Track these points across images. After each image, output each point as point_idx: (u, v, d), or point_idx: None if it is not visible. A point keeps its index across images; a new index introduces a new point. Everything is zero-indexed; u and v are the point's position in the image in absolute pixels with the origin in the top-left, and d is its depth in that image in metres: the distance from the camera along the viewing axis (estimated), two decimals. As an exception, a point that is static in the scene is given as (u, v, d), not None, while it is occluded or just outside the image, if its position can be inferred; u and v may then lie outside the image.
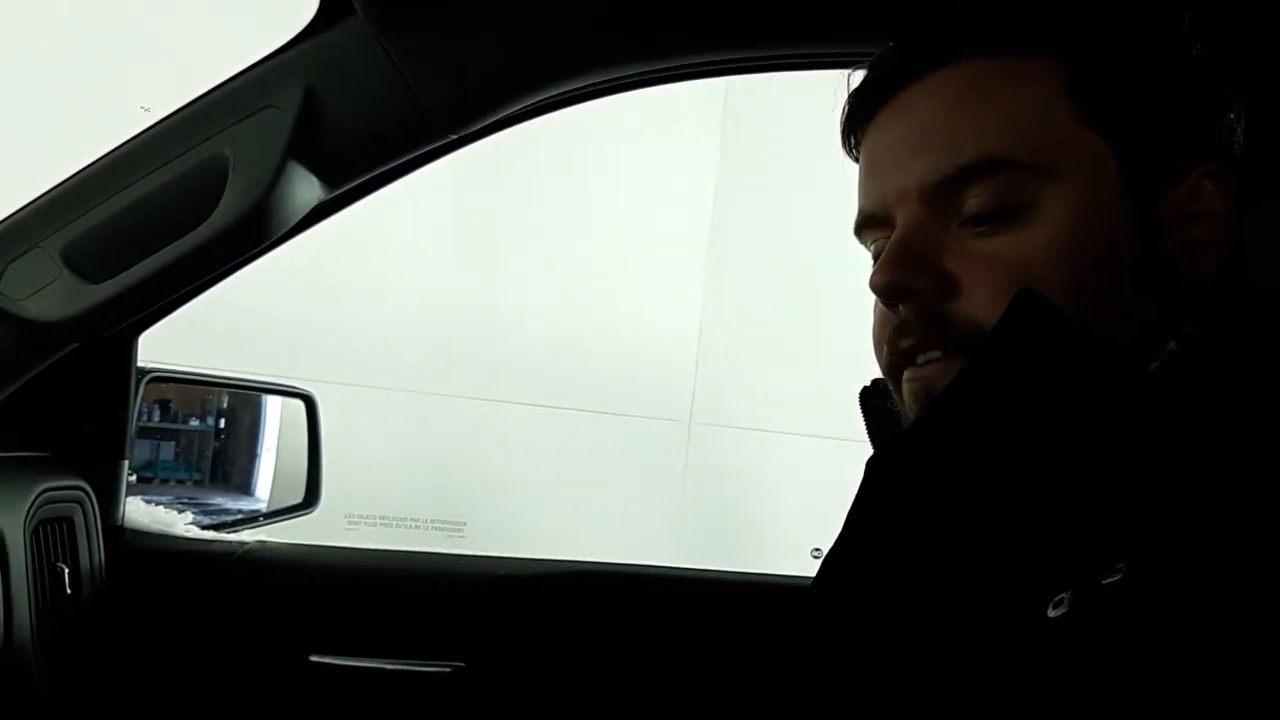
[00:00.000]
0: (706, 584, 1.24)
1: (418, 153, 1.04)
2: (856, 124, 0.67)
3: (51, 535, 1.03)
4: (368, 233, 2.99)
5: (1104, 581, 0.45)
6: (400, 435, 3.27)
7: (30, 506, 0.98)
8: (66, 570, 1.05)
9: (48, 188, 1.02)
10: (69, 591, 1.04)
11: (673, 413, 3.68)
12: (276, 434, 2.00)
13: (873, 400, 0.72)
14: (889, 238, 0.62)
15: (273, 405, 2.09)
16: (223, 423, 2.53)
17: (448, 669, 1.12)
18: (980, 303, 0.58)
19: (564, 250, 3.53)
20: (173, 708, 1.13)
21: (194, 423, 2.56)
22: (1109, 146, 0.58)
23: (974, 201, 0.59)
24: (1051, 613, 0.46)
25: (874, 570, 0.61)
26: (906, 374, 0.63)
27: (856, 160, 0.68)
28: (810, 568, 1.26)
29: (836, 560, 0.63)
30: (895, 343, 0.62)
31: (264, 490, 2.06)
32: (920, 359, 0.61)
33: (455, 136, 1.02)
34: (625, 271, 3.58)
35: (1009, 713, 0.47)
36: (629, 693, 1.14)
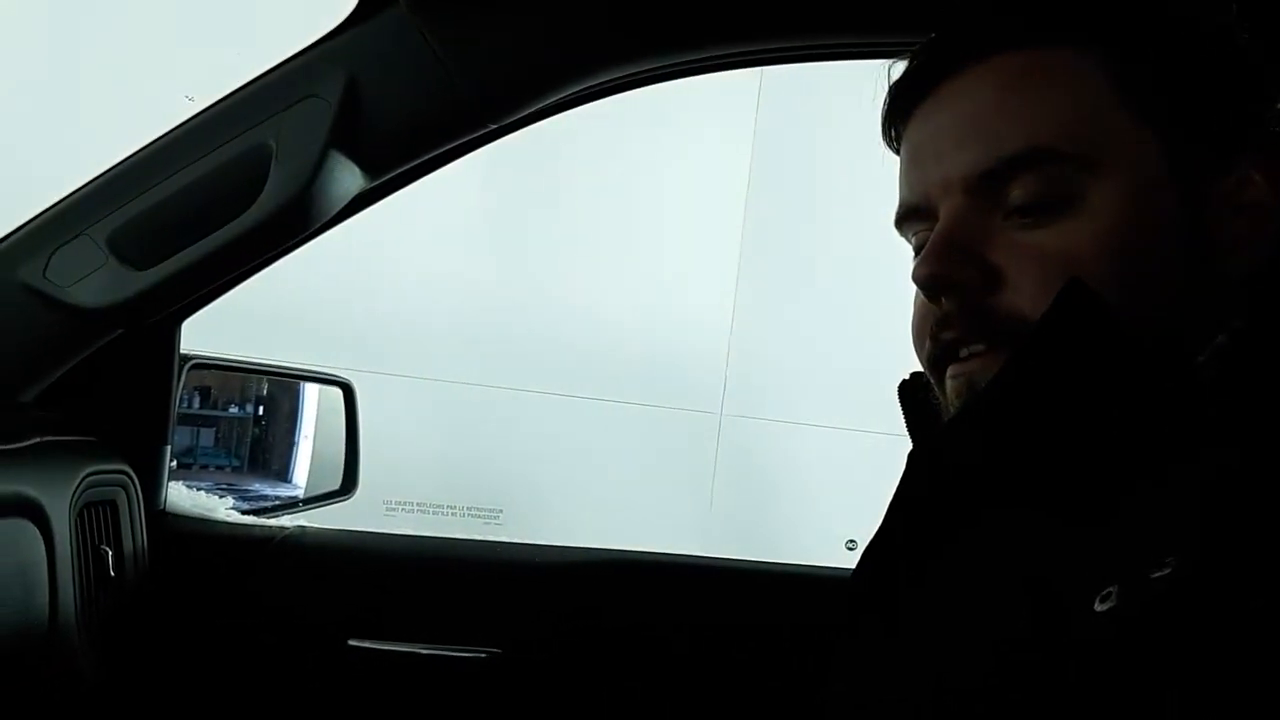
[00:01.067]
0: (740, 574, 1.24)
1: (457, 142, 1.05)
2: (898, 115, 0.67)
3: (96, 518, 1.05)
4: (404, 223, 3.01)
5: (1153, 576, 0.44)
6: (436, 423, 3.29)
7: (75, 489, 1.00)
8: (110, 553, 1.06)
9: (94, 176, 1.04)
10: (112, 574, 1.06)
11: (704, 404, 3.67)
12: (314, 421, 2.02)
13: (912, 394, 0.72)
14: (931, 230, 0.62)
15: (310, 393, 2.11)
16: (262, 410, 2.55)
17: (484, 655, 1.13)
18: (1025, 295, 0.57)
19: (597, 241, 3.53)
20: (213, 689, 1.14)
21: (233, 410, 2.59)
22: (1156, 138, 0.58)
23: (1019, 193, 0.58)
24: (1098, 606, 0.46)
25: (914, 563, 0.61)
26: (950, 369, 0.62)
27: (897, 152, 0.68)
28: (843, 559, 1.26)
29: (876, 552, 0.63)
30: (937, 336, 0.62)
31: (302, 477, 2.08)
32: (963, 353, 0.61)
33: (494, 126, 1.02)
34: (659, 262, 3.58)
35: (1051, 703, 0.46)
36: (663, 681, 1.14)
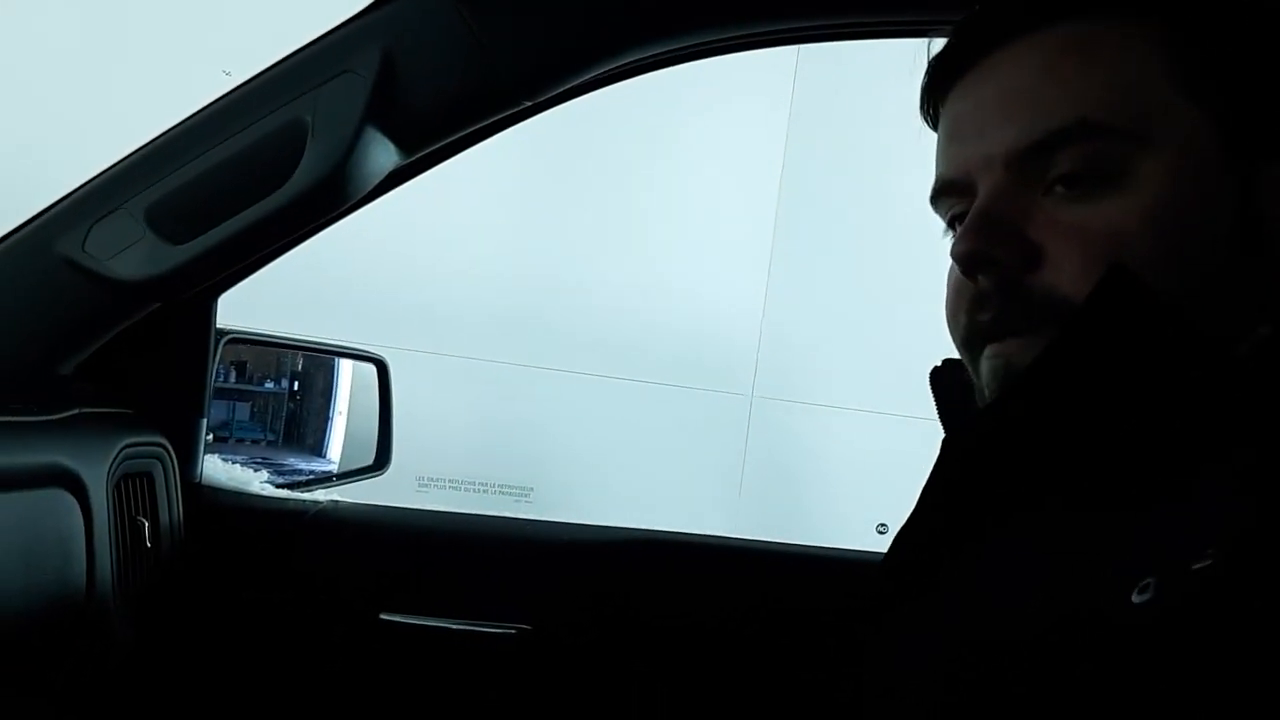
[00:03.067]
0: (770, 556, 1.24)
1: (492, 119, 1.04)
2: (938, 88, 0.65)
3: (132, 490, 1.06)
4: (439, 202, 3.01)
5: (1194, 568, 0.44)
6: (469, 402, 3.30)
7: (113, 461, 1.01)
8: (146, 524, 1.08)
9: (132, 150, 1.04)
10: (148, 545, 1.07)
11: (735, 386, 3.66)
12: (348, 398, 2.03)
13: (943, 379, 0.71)
14: (968, 206, 0.60)
15: (345, 370, 2.12)
16: (296, 386, 2.57)
17: (513, 631, 1.13)
18: (1066, 275, 0.56)
19: (630, 221, 3.53)
20: (245, 660, 1.15)
21: (269, 385, 2.61)
22: (1207, 118, 0.56)
23: (1063, 167, 0.57)
24: (1136, 598, 0.45)
25: (948, 550, 0.61)
26: (987, 350, 0.61)
27: (934, 127, 0.67)
28: (873, 543, 1.25)
29: (909, 539, 0.63)
30: (973, 315, 0.61)
31: (335, 453, 2.10)
32: (999, 333, 0.60)
33: (529, 103, 1.02)
34: (691, 243, 3.56)
35: (1084, 690, 0.46)
36: (689, 661, 1.14)
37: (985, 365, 0.61)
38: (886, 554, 0.64)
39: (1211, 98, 0.56)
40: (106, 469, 0.99)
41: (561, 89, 1.02)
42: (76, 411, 0.99)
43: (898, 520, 0.64)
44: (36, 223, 1.04)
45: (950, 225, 0.66)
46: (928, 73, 0.66)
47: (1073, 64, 0.57)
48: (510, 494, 3.33)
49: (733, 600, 1.17)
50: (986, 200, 0.59)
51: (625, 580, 1.18)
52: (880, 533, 3.19)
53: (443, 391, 3.19)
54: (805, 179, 3.65)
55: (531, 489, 3.36)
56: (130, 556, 1.04)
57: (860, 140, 3.56)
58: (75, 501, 0.94)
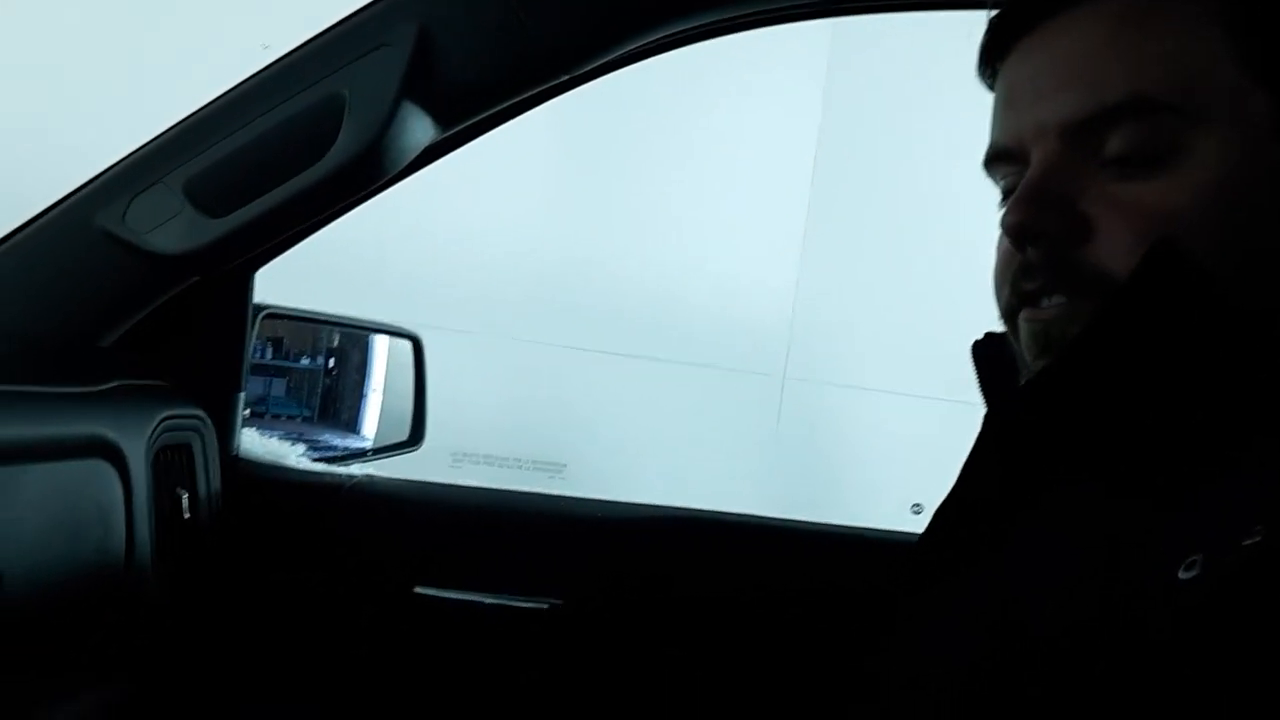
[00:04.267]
0: (803, 535, 1.23)
1: (530, 93, 1.04)
2: (997, 49, 0.64)
3: (171, 461, 1.07)
4: (474, 181, 3.01)
5: (1244, 543, 0.43)
6: (501, 379, 3.32)
7: (152, 432, 1.02)
8: (185, 495, 1.09)
9: (172, 123, 1.05)
10: (187, 516, 1.08)
11: (766, 367, 3.65)
12: (383, 375, 2.04)
13: (985, 353, 0.70)
14: (1020, 174, 0.60)
15: (380, 347, 2.14)
16: (332, 362, 2.59)
17: (545, 606, 1.14)
18: (1114, 250, 0.55)
19: (662, 200, 3.51)
20: (281, 629, 1.17)
21: (304, 361, 2.64)
22: (1267, 95, 0.55)
23: (1118, 143, 0.56)
24: (1183, 575, 0.44)
25: (990, 524, 0.60)
26: (1024, 314, 0.60)
27: (991, 89, 0.65)
28: (907, 523, 1.24)
29: (950, 513, 0.62)
30: (1018, 285, 0.60)
31: (370, 429, 2.11)
32: (1043, 303, 0.59)
33: (567, 77, 1.01)
34: (724, 222, 3.55)
35: (1126, 667, 0.45)
36: (721, 639, 1.14)
37: (1025, 329, 0.60)
38: (925, 530, 0.64)
39: (1269, 76, 0.55)
40: (146, 440, 1.00)
41: (599, 62, 1.01)
42: (117, 384, 1.00)
43: (933, 501, 0.64)
44: (77, 196, 1.05)
45: (1006, 193, 0.65)
46: (987, 32, 0.64)
47: (1132, 36, 0.56)
48: (544, 470, 3.35)
49: (765, 578, 1.17)
50: (1038, 171, 0.58)
51: (657, 557, 1.18)
52: (915, 513, 3.18)
53: (476, 369, 3.21)
54: (840, 157, 3.63)
55: (565, 465, 3.37)
56: (168, 527, 1.05)
57: (896, 117, 3.53)
58: (115, 472, 0.95)
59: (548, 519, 1.22)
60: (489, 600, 1.13)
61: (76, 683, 0.96)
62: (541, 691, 1.15)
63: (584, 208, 3.48)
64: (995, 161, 0.64)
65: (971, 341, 0.72)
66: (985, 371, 0.70)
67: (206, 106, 1.04)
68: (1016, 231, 0.58)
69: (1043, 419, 0.57)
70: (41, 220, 1.06)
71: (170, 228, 1.01)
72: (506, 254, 3.37)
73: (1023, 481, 0.59)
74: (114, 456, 0.95)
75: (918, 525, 0.67)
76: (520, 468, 3.33)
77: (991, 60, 0.65)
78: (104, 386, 0.99)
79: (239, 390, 1.22)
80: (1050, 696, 0.48)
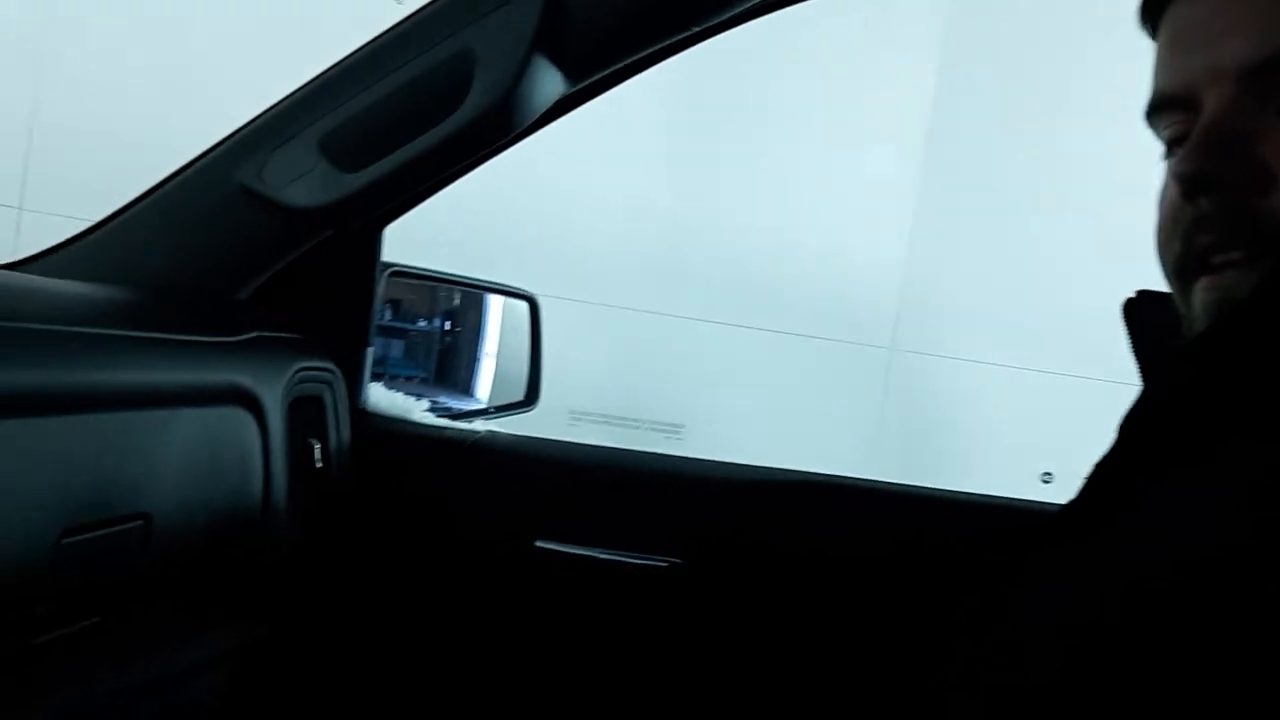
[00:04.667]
0: (920, 500, 1.21)
1: (660, 44, 1.03)
2: None
3: (304, 412, 1.10)
4: (582, 145, 3.01)
5: None
6: (615, 344, 3.34)
7: (288, 383, 1.04)
8: (317, 445, 1.11)
9: (307, 80, 1.07)
10: (318, 465, 1.11)
11: (875, 338, 3.58)
12: (497, 337, 2.07)
13: (1138, 313, 0.67)
14: (1189, 123, 0.56)
15: (494, 310, 2.16)
16: (448, 324, 2.64)
17: (664, 564, 1.14)
18: None
19: (771, 166, 3.47)
20: (406, 580, 1.19)
21: (421, 323, 2.69)
22: None
23: None
24: None
25: (1139, 482, 0.57)
26: (1202, 282, 0.57)
27: (1153, 36, 0.62)
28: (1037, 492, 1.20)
29: (1102, 473, 0.60)
30: (1190, 238, 0.57)
31: (484, 391, 2.14)
32: (1217, 259, 0.55)
33: (697, 29, 1.00)
34: (834, 189, 3.49)
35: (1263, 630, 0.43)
36: (834, 603, 1.13)
37: (1200, 299, 0.57)
38: (1080, 488, 0.61)
39: None
40: (282, 390, 1.03)
41: (731, 13, 1.00)
42: (255, 335, 1.03)
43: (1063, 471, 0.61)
44: (217, 151, 1.08)
45: (1169, 148, 0.61)
46: None
47: None
48: (661, 430, 3.35)
49: (885, 544, 1.15)
50: (1214, 117, 0.55)
51: (774, 519, 1.17)
52: (1045, 482, 3.09)
53: (591, 335, 3.23)
54: (955, 120, 3.52)
55: (682, 426, 3.37)
56: (301, 475, 1.08)
57: (1015, 78, 3.41)
58: (254, 420, 0.98)
59: (666, 478, 1.22)
60: (608, 556, 1.14)
61: (216, 621, 1.00)
62: (658, 649, 1.15)
63: (691, 174, 3.46)
64: (1161, 110, 0.60)
65: (1123, 300, 0.69)
66: (1137, 332, 0.67)
67: (340, 63, 1.06)
68: (1191, 180, 0.55)
69: (1213, 377, 0.54)
70: (183, 175, 1.09)
71: (305, 183, 1.04)
72: (612, 219, 3.37)
73: (1184, 440, 0.56)
74: (252, 405, 0.98)
75: (1047, 494, 0.64)
76: (638, 427, 3.34)
77: (1156, 2, 0.62)
78: (243, 337, 1.02)
79: (367, 345, 1.24)
80: (1187, 655, 0.46)
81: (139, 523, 0.81)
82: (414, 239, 1.34)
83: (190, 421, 0.90)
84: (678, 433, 3.35)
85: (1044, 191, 3.39)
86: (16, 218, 3.01)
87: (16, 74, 2.98)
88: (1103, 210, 2.95)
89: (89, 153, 2.92)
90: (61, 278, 1.00)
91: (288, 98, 1.06)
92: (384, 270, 1.27)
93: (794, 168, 3.46)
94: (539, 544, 1.14)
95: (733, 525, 1.17)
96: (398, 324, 2.71)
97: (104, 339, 0.83)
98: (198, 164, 1.08)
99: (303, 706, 1.17)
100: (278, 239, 1.09)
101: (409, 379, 2.67)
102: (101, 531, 0.77)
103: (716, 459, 1.24)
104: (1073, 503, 0.62)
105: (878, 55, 3.48)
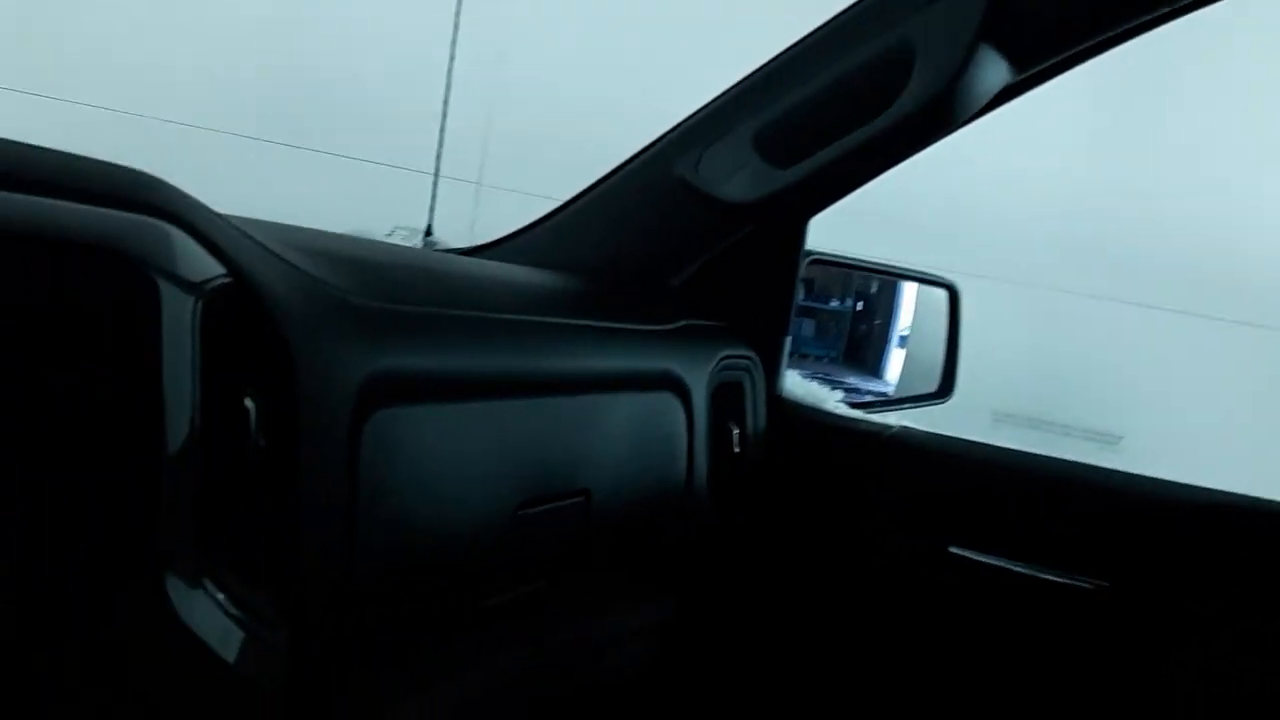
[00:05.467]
0: None
1: (1113, 31, 0.95)
2: None
3: (725, 398, 1.14)
4: (1004, 123, 2.86)
5: None
6: (1049, 335, 3.14)
7: (712, 370, 1.08)
8: (736, 430, 1.15)
9: (742, 76, 1.09)
10: (736, 450, 1.15)
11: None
12: (910, 322, 2.01)
13: None
14: None
15: (908, 293, 2.11)
16: (860, 305, 2.61)
17: (1089, 586, 1.06)
18: None
19: (1207, 138, 3.09)
20: (812, 571, 1.20)
21: (833, 303, 2.69)
22: None
23: None
24: None
25: None
26: None
27: None
28: None
29: None
30: None
31: (893, 375, 2.10)
32: None
33: (1168, 9, 0.90)
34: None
35: None
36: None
37: None
38: None
39: None
40: (707, 377, 1.07)
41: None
42: (685, 323, 1.08)
43: None
44: (657, 147, 1.13)
45: None
46: None
47: None
48: (1096, 440, 3.12)
49: None
50: None
51: (1216, 546, 1.05)
52: None
53: (1018, 323, 3.06)
54: None
55: (1121, 437, 3.12)
56: (721, 459, 1.12)
57: None
58: (680, 404, 1.03)
59: (1096, 492, 1.13)
60: (1028, 571, 1.08)
61: (643, 593, 1.07)
62: (1076, 676, 1.08)
63: (1131, 147, 3.17)
64: None
65: None
66: None
67: (775, 59, 1.07)
68: None
69: None
70: (625, 169, 1.16)
71: (739, 178, 1.07)
72: (1039, 197, 3.17)
73: None
74: (680, 390, 1.03)
75: None
76: (1068, 435, 3.13)
77: None
78: (674, 325, 1.07)
79: (785, 333, 1.25)
80: None
81: (580, 498, 0.88)
82: (834, 215, 1.32)
83: (627, 405, 0.96)
84: (1115, 444, 3.09)
85: None
86: (475, 191, 3.38)
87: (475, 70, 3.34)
88: None
89: (530, 139, 3.21)
90: (518, 263, 1.10)
91: (724, 94, 1.09)
92: (805, 258, 1.27)
93: (1234, 138, 3.07)
94: (953, 549, 1.11)
95: (1168, 548, 1.06)
96: (809, 303, 2.71)
97: (558, 328, 0.90)
98: (640, 158, 1.14)
99: (704, 687, 1.22)
100: (709, 230, 1.13)
101: (818, 358, 2.68)
102: (551, 505, 0.84)
103: (1155, 476, 1.13)
104: None
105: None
